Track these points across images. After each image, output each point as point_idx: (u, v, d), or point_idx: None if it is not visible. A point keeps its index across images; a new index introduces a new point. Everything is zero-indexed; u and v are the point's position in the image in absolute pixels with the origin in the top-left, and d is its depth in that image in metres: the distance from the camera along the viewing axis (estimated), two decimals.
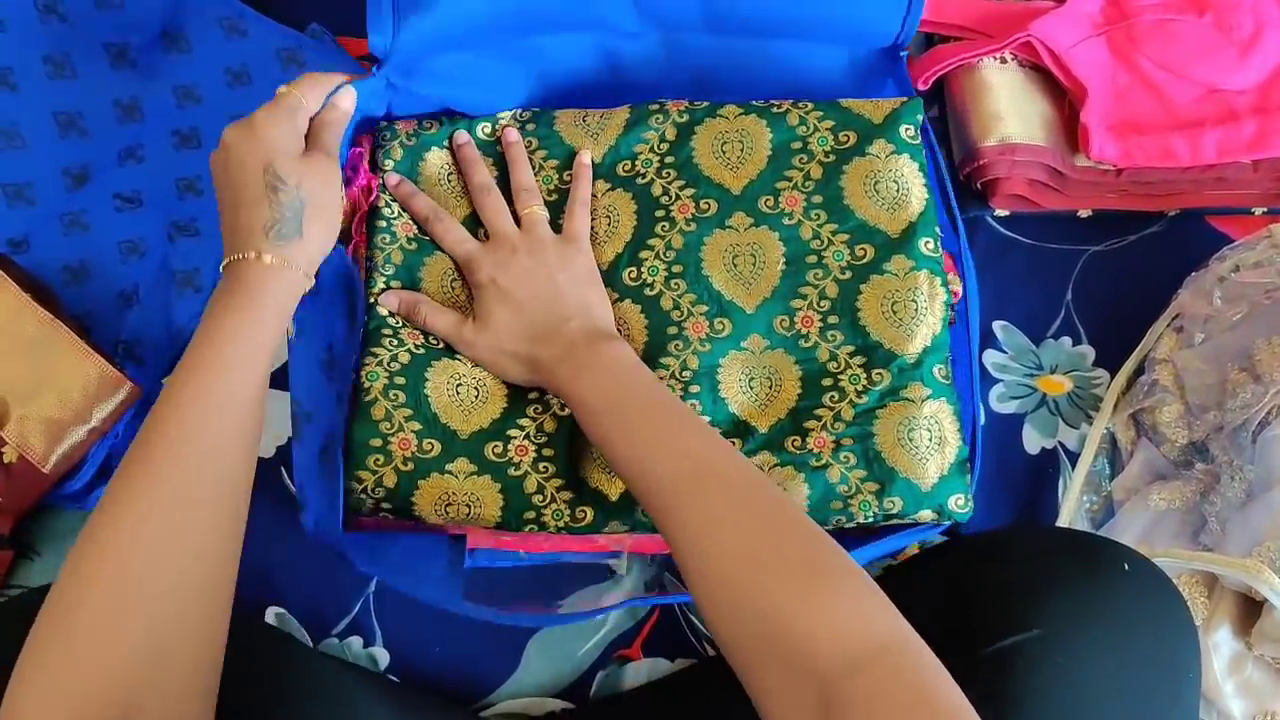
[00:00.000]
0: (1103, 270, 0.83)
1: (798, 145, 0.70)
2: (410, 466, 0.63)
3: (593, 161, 0.71)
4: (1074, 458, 0.77)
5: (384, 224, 0.68)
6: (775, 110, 0.71)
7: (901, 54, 0.75)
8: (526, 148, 0.72)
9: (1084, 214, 0.83)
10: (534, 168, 0.71)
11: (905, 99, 0.72)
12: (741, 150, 0.70)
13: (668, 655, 0.72)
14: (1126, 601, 0.56)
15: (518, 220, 0.68)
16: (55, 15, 0.81)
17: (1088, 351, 0.81)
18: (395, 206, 0.69)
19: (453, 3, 0.66)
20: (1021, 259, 0.83)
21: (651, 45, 0.75)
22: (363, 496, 0.62)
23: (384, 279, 0.67)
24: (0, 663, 0.50)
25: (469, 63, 0.71)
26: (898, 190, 0.69)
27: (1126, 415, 0.77)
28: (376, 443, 0.63)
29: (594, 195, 0.70)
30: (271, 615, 0.71)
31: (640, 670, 0.72)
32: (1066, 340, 0.81)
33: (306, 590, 0.72)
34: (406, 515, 0.63)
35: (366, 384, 0.63)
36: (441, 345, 0.66)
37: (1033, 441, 0.78)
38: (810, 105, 0.71)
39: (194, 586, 0.49)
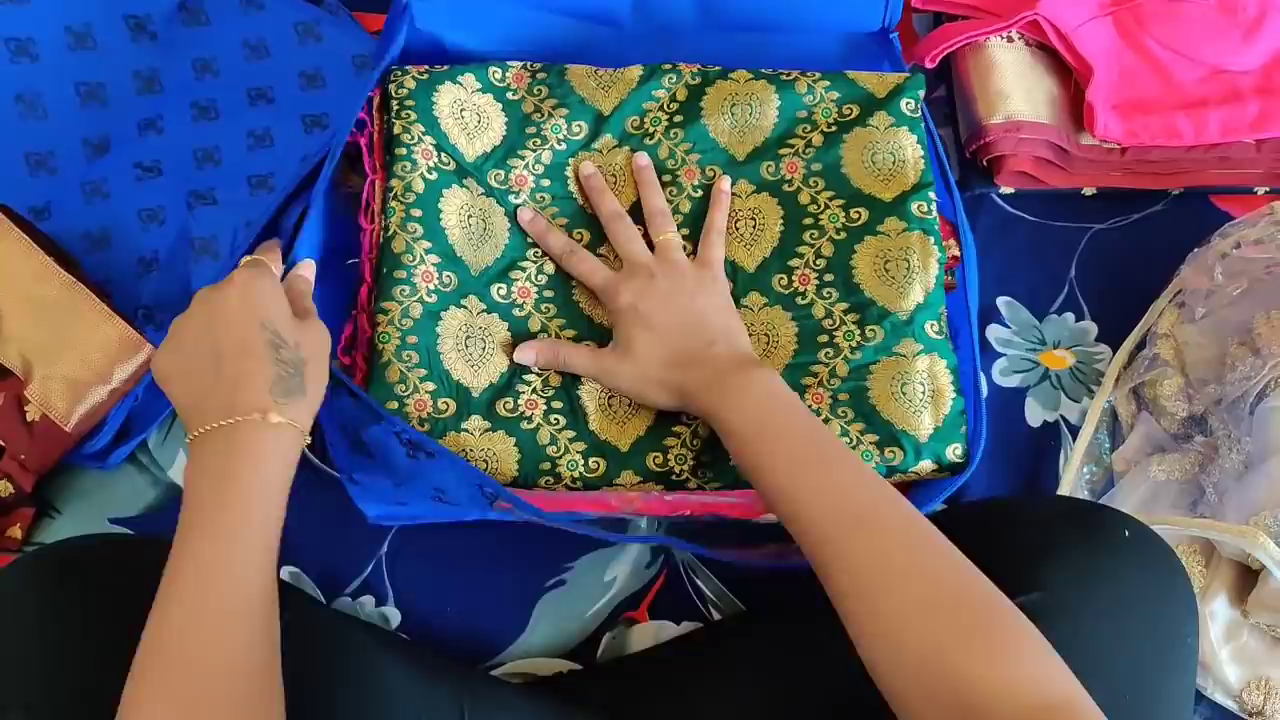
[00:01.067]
0: (1106, 247, 0.84)
1: (803, 114, 0.73)
2: (427, 427, 0.64)
3: (601, 114, 0.72)
4: (1075, 431, 0.78)
5: (404, 150, 0.68)
6: (785, 78, 0.73)
7: (891, 35, 0.77)
8: (537, 96, 0.72)
9: (1088, 192, 0.85)
10: (543, 115, 0.72)
11: (908, 74, 0.74)
12: (749, 114, 0.72)
13: (674, 618, 0.73)
14: (1126, 568, 0.57)
15: (651, 246, 0.68)
16: None
17: (1090, 327, 0.82)
18: (415, 132, 0.68)
19: None
20: (1026, 236, 0.85)
21: (649, 43, 0.77)
22: None
23: (403, 208, 0.67)
24: (19, 616, 0.51)
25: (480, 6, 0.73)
26: (894, 162, 0.71)
27: (1127, 389, 0.78)
28: (393, 405, 0.64)
29: (600, 152, 0.72)
30: (286, 574, 0.73)
31: (647, 632, 0.73)
32: (1069, 316, 0.82)
33: (320, 551, 0.73)
34: None
35: (380, 345, 0.64)
36: (450, 289, 0.67)
37: (1035, 415, 0.80)
38: (818, 75, 0.73)
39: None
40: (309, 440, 0.56)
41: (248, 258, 0.60)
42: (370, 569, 0.73)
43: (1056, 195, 0.85)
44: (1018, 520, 0.61)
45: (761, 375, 0.60)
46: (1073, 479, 0.75)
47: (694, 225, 0.70)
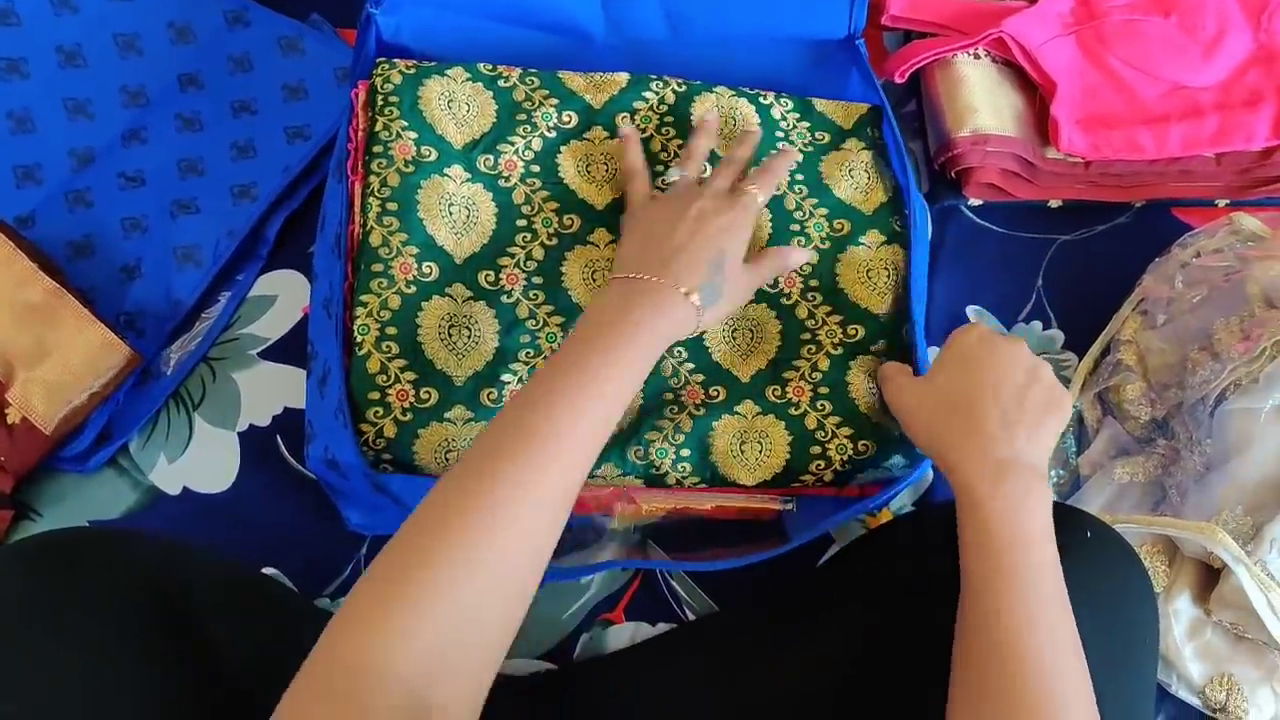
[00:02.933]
0: (1072, 258, 0.86)
1: (780, 135, 0.75)
2: (409, 417, 0.65)
3: (592, 107, 0.74)
4: None
5: (380, 148, 0.69)
6: (763, 101, 0.76)
7: (857, 42, 0.79)
8: (528, 86, 0.74)
9: (1054, 204, 0.87)
10: (534, 104, 0.73)
11: (869, 106, 0.78)
12: (734, 126, 0.75)
13: (649, 619, 0.74)
14: (1088, 567, 0.58)
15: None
16: (68, 8, 0.84)
17: (1057, 335, 0.84)
18: (394, 128, 0.70)
19: None
20: (994, 247, 0.87)
21: (621, 56, 0.79)
22: (364, 449, 0.64)
23: (379, 203, 0.68)
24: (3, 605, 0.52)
25: (452, 23, 0.75)
26: (868, 179, 0.75)
27: (1093, 394, 0.80)
28: (374, 395, 0.64)
29: (592, 141, 0.73)
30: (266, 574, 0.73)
31: (623, 633, 0.74)
32: (1037, 324, 0.84)
33: (299, 553, 0.74)
34: (408, 465, 0.65)
35: (358, 338, 0.65)
36: (431, 279, 0.68)
37: None
38: (790, 104, 0.77)
39: (515, 599, 0.49)
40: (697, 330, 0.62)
41: (752, 188, 0.67)
42: (349, 570, 0.74)
43: (1024, 207, 0.87)
44: None
45: (1040, 487, 0.57)
46: None
47: None
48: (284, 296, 0.81)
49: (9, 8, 0.85)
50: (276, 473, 0.75)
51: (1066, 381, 0.82)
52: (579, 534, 0.74)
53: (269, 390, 0.78)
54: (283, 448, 0.76)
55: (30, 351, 0.71)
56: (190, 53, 0.86)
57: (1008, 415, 0.59)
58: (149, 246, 0.80)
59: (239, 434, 0.77)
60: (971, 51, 0.85)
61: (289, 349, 0.79)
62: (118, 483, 0.75)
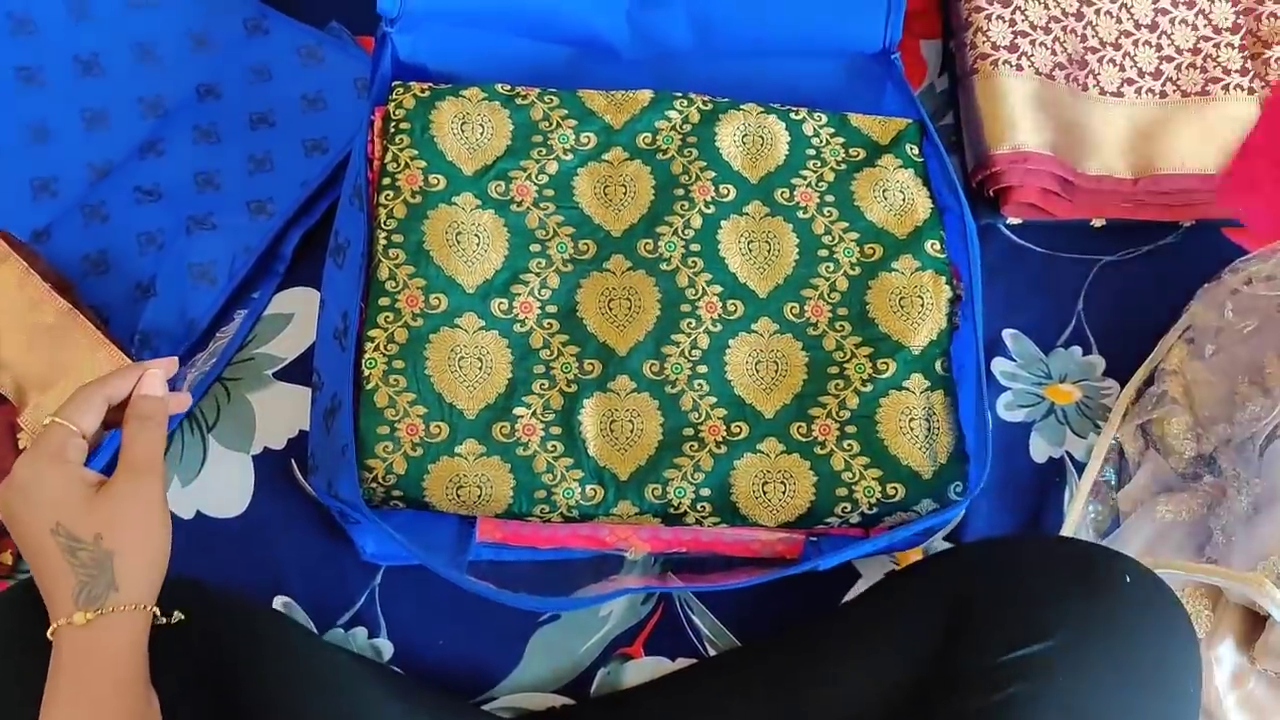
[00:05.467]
0: (1115, 280, 0.83)
1: (811, 152, 0.72)
2: (419, 451, 0.63)
3: (611, 128, 0.72)
4: (1081, 467, 0.77)
5: (388, 180, 0.68)
6: (794, 116, 0.74)
7: (893, 57, 0.76)
8: (546, 104, 0.72)
9: (1097, 223, 0.83)
10: (551, 125, 0.71)
11: (908, 121, 0.75)
12: (761, 144, 0.72)
13: (669, 654, 0.72)
14: (1128, 615, 0.56)
15: None
16: (86, 17, 0.83)
17: (1097, 361, 0.81)
18: (402, 159, 0.69)
19: None
20: (1033, 267, 0.83)
21: (647, 71, 0.76)
22: (374, 486, 0.63)
23: (385, 235, 0.67)
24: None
25: (471, 39, 0.73)
26: (903, 200, 0.71)
27: (1134, 426, 0.76)
28: (384, 430, 0.63)
29: (610, 163, 0.71)
30: (278, 604, 0.72)
31: (642, 669, 0.72)
32: (1077, 350, 0.81)
33: (313, 581, 0.72)
34: (418, 502, 0.64)
35: (366, 371, 0.64)
36: (439, 312, 0.66)
37: (1040, 450, 0.78)
38: (824, 118, 0.74)
39: None
40: (154, 607, 0.52)
41: (49, 419, 0.53)
42: (363, 600, 0.72)
43: (1065, 226, 0.83)
44: (1019, 564, 0.60)
45: None
46: (1077, 517, 0.74)
47: (704, 241, 0.70)
48: (300, 315, 0.79)
49: (26, 16, 0.84)
50: (290, 498, 0.74)
51: (1106, 410, 0.79)
52: (598, 565, 0.72)
53: (284, 412, 0.76)
54: (297, 472, 0.75)
55: (43, 374, 0.70)
56: (209, 62, 0.85)
57: None
58: (164, 263, 0.78)
59: (253, 457, 0.75)
60: (1015, 61, 0.82)
61: (305, 369, 0.77)
62: None
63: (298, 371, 0.77)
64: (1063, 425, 0.79)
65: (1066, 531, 0.73)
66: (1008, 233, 0.84)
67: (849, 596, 0.73)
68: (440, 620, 0.72)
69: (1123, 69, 0.85)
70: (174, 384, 0.76)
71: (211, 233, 0.79)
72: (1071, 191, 0.81)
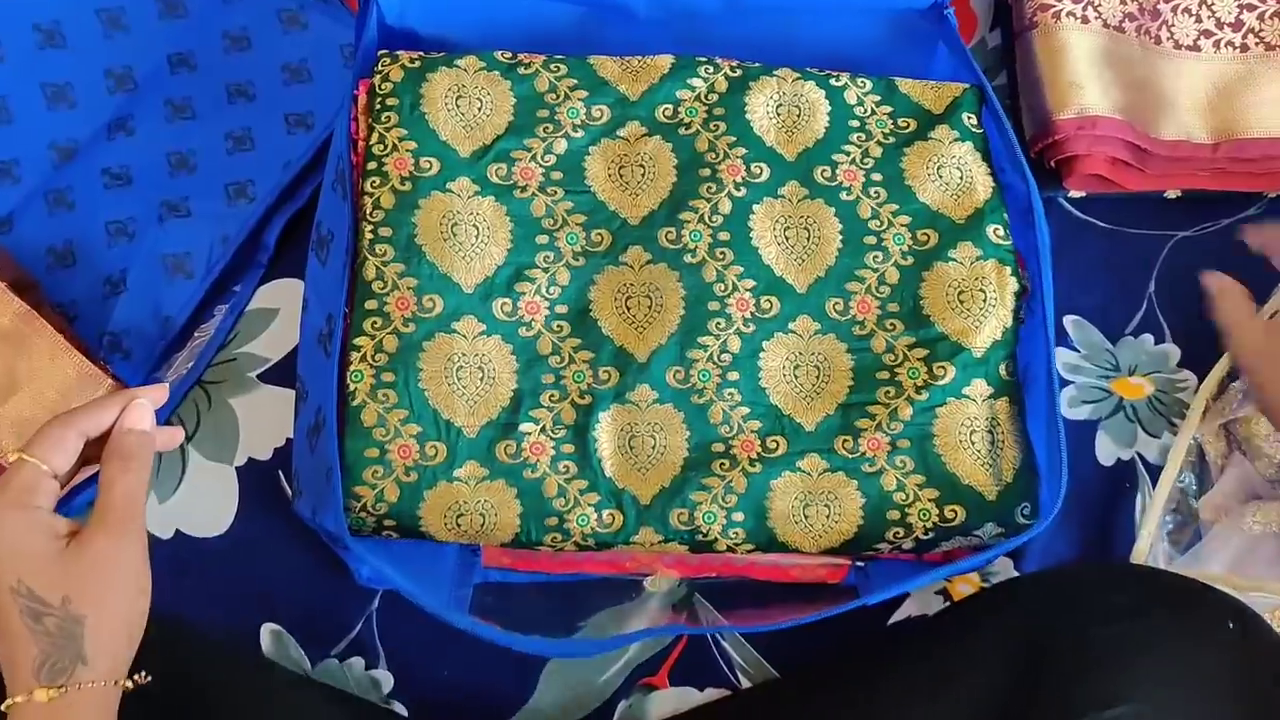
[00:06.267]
0: (1192, 259, 0.74)
1: (855, 124, 0.65)
2: (413, 476, 0.57)
3: (627, 99, 0.64)
4: (1155, 471, 0.70)
5: (374, 165, 0.61)
6: (834, 82, 0.66)
7: (946, 12, 0.68)
8: (553, 73, 0.64)
9: (1171, 194, 0.75)
10: (559, 96, 0.64)
11: (965, 87, 0.67)
12: (798, 116, 0.64)
13: (697, 684, 0.66)
14: (1231, 671, 0.49)
15: None
16: None
17: (1172, 351, 0.73)
18: (389, 139, 0.61)
19: None
20: (1098, 246, 0.76)
21: (667, 32, 0.68)
22: (363, 515, 0.57)
23: (371, 228, 0.60)
24: None
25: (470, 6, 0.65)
26: (961, 177, 0.64)
27: (1217, 425, 0.68)
28: (372, 453, 0.56)
29: (626, 140, 0.64)
30: (267, 633, 0.66)
31: (666, 700, 0.66)
32: (1148, 338, 0.74)
33: (305, 606, 0.67)
34: (414, 531, 0.58)
35: (351, 386, 0.57)
36: (434, 315, 0.59)
37: (1107, 452, 0.71)
38: (868, 84, 0.66)
39: None
40: (124, 680, 0.45)
41: (14, 454, 0.46)
42: (360, 627, 0.67)
43: (1134, 199, 0.75)
44: (1095, 603, 0.53)
45: None
46: (1153, 529, 0.66)
47: (734, 228, 0.62)
48: (286, 310, 0.73)
49: None
50: (278, 514, 0.68)
51: (1183, 405, 0.71)
52: (615, 590, 0.66)
53: (271, 418, 0.70)
54: (286, 485, 0.69)
55: (1, 384, 0.64)
56: (181, 29, 0.77)
57: None
58: (135, 255, 0.72)
59: (237, 469, 0.69)
60: (1080, 12, 0.73)
61: (293, 371, 0.69)
62: None
63: (285, 373, 0.71)
64: (1133, 423, 0.71)
65: (1140, 545, 0.65)
66: (1069, 207, 0.76)
67: (896, 617, 0.67)
68: (444, 648, 0.66)
69: (1199, 19, 0.76)
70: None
71: (187, 220, 0.73)
72: (1144, 160, 0.72)
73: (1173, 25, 0.76)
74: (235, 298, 0.72)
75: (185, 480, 0.69)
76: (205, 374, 0.71)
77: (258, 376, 0.71)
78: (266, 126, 0.75)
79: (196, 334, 0.72)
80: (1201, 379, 0.70)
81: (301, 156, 0.73)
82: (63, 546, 0.45)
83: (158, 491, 0.69)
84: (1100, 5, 0.74)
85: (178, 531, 0.68)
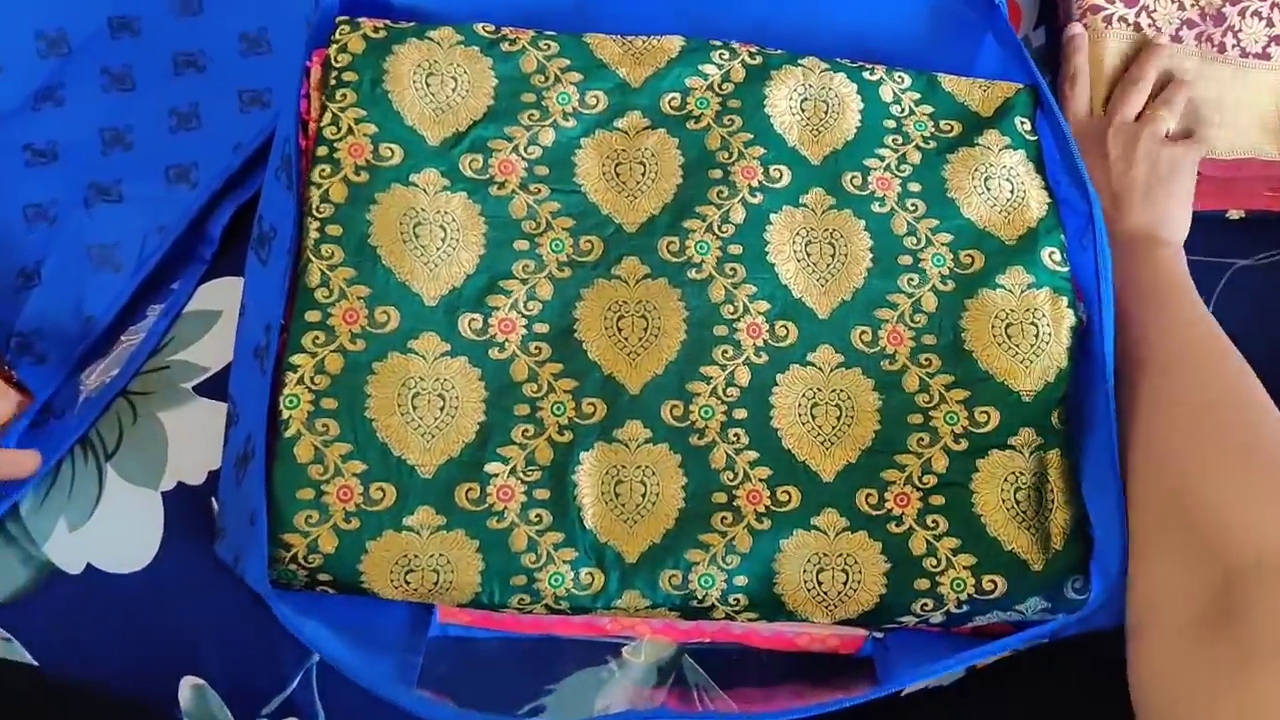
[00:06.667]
0: (1255, 287, 0.70)
1: (891, 124, 0.58)
2: (355, 524, 0.49)
3: (628, 85, 0.57)
4: None
5: (324, 150, 0.53)
6: (868, 76, 0.59)
7: (998, 1, 0.60)
8: (542, 51, 0.57)
9: (1233, 215, 0.70)
10: (548, 79, 0.57)
11: (1018, 87, 0.60)
12: (825, 113, 0.57)
13: None
14: None
15: None
16: None
17: None
18: (345, 120, 0.54)
19: None
20: None
21: (675, 11, 0.61)
22: (292, 568, 0.49)
23: (318, 225, 0.52)
24: None
25: None
26: (1012, 190, 0.57)
27: None
28: (306, 494, 0.48)
29: (625, 133, 0.56)
30: (187, 687, 0.58)
31: None
32: None
33: (234, 657, 0.59)
34: (353, 588, 0.50)
35: (285, 413, 0.49)
36: (388, 331, 0.51)
37: None
38: (907, 79, 0.59)
39: None
40: None
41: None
42: (296, 683, 0.59)
43: (1193, 220, 0.68)
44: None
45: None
46: None
47: (747, 241, 0.55)
48: (230, 313, 0.65)
49: None
50: (208, 549, 0.59)
51: None
52: (591, 650, 0.58)
53: (206, 437, 0.62)
54: (219, 516, 0.60)
55: None
56: None
57: None
58: (55, 243, 0.64)
59: (163, 494, 0.61)
60: (1132, 19, 0.66)
61: None
62: (4, 555, 0.60)
63: (225, 386, 0.63)
64: None
65: None
66: None
67: (913, 689, 0.58)
68: (395, 710, 0.58)
69: (1271, 23, 0.69)
70: (62, 405, 0.61)
71: (118, 205, 0.66)
72: (1203, 179, 0.66)
73: (1239, 31, 0.69)
74: (171, 297, 0.65)
75: (101, 505, 0.61)
76: (132, 383, 0.63)
77: (193, 389, 0.64)
78: (217, 103, 0.68)
79: (124, 337, 0.64)
80: None
81: (255, 138, 0.66)
82: None
83: (68, 518, 0.60)
84: (1155, 11, 0.67)
85: (89, 565, 0.60)
